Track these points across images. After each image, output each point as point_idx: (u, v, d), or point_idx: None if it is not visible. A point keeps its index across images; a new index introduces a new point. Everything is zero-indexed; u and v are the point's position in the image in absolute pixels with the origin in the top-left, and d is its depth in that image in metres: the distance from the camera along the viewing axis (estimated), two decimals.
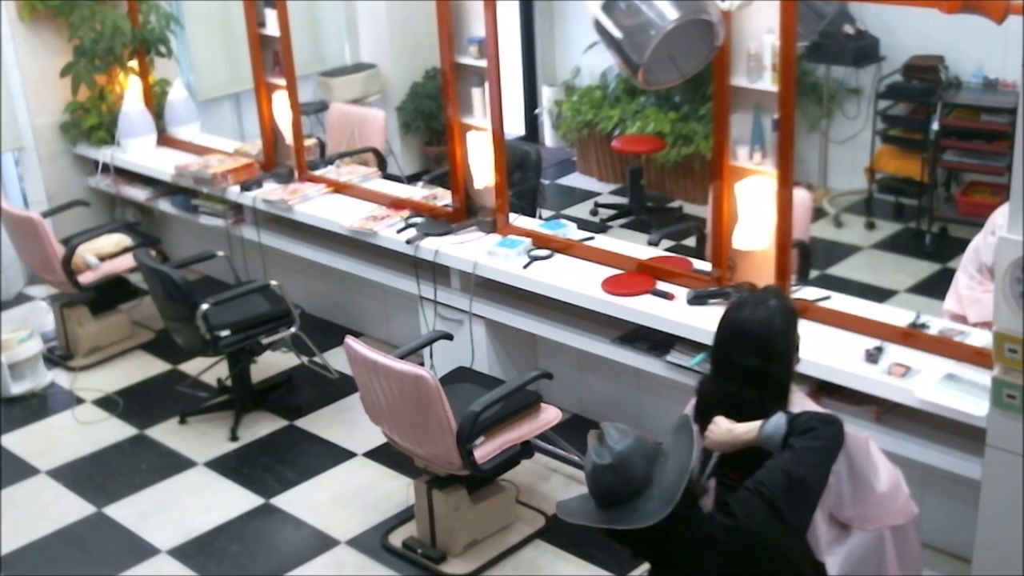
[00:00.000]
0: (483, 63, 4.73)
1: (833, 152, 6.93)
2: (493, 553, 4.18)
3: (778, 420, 2.74)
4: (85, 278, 5.69)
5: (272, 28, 5.59)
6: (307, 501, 4.62)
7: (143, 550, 4.40)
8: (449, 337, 4.53)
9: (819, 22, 6.59)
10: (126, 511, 4.63)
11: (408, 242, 4.97)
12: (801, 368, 3.19)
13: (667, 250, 4.97)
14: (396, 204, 5.32)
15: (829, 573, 2.97)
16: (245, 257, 5.94)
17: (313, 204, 5.48)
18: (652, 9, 3.33)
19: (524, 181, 5.67)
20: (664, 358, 4.23)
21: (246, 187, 5.68)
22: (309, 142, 6.00)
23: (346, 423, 5.11)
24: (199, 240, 6.25)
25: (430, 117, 7.65)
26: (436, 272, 4.94)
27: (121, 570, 4.29)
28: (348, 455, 4.90)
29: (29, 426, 5.32)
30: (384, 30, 7.71)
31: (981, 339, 3.64)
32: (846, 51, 6.54)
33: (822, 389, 3.83)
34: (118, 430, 5.22)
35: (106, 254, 5.78)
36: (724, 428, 2.83)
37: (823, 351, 3.78)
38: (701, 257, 4.55)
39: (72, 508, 4.67)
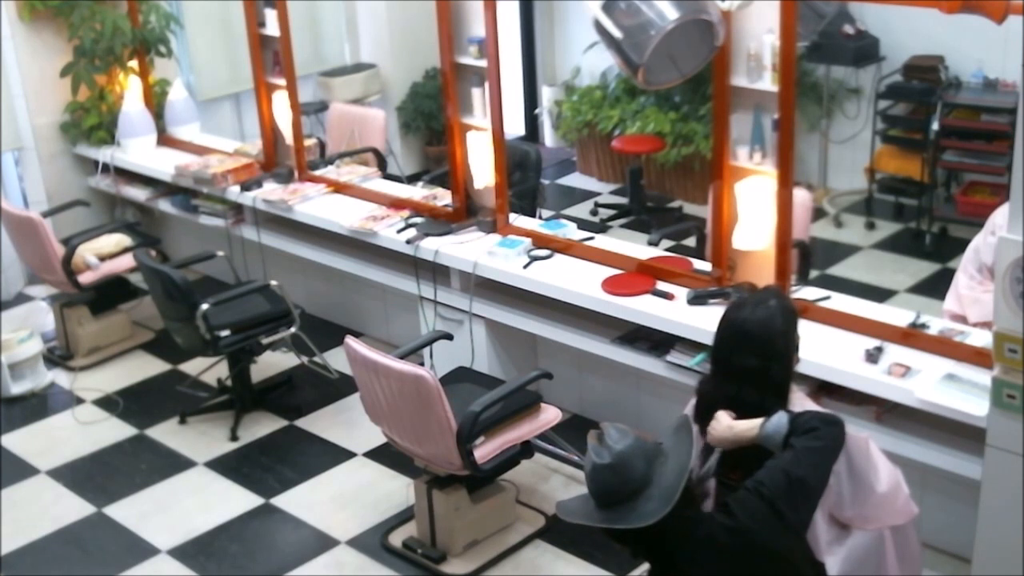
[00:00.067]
0: (483, 63, 4.73)
1: (833, 152, 6.93)
2: (493, 553, 4.18)
3: (779, 419, 2.74)
4: (85, 278, 5.69)
5: (272, 28, 5.59)
6: (307, 501, 4.62)
7: (143, 550, 4.40)
8: (449, 337, 4.53)
9: (819, 22, 6.59)
10: (126, 511, 4.63)
11: (408, 242, 4.97)
12: (801, 368, 3.19)
13: (667, 250, 4.97)
14: (396, 204, 5.32)
15: (829, 573, 2.97)
16: (245, 257, 5.94)
17: (313, 204, 5.48)
18: (652, 9, 3.33)
19: (524, 181, 5.67)
20: (664, 358, 4.23)
21: (246, 187, 5.68)
22: (309, 142, 6.00)
23: (346, 423, 5.11)
24: (199, 240, 6.25)
25: (430, 117, 7.65)
26: (436, 272, 4.94)
27: (121, 570, 4.29)
28: (348, 455, 4.91)
29: (29, 426, 5.32)
30: (384, 30, 7.71)
31: (981, 339, 3.64)
32: (846, 51, 6.54)
33: (822, 389, 3.83)
34: (118, 430, 5.22)
35: (106, 254, 5.78)
36: (725, 425, 2.83)
37: (823, 351, 3.78)
38: (701, 257, 4.55)
39: (72, 508, 4.67)
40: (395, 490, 4.60)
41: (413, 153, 7.88)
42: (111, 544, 4.45)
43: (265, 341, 5.10)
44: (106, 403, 5.45)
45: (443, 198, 5.21)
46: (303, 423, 5.18)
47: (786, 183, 3.95)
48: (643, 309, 4.25)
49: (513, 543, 4.24)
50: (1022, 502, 3.20)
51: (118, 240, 5.87)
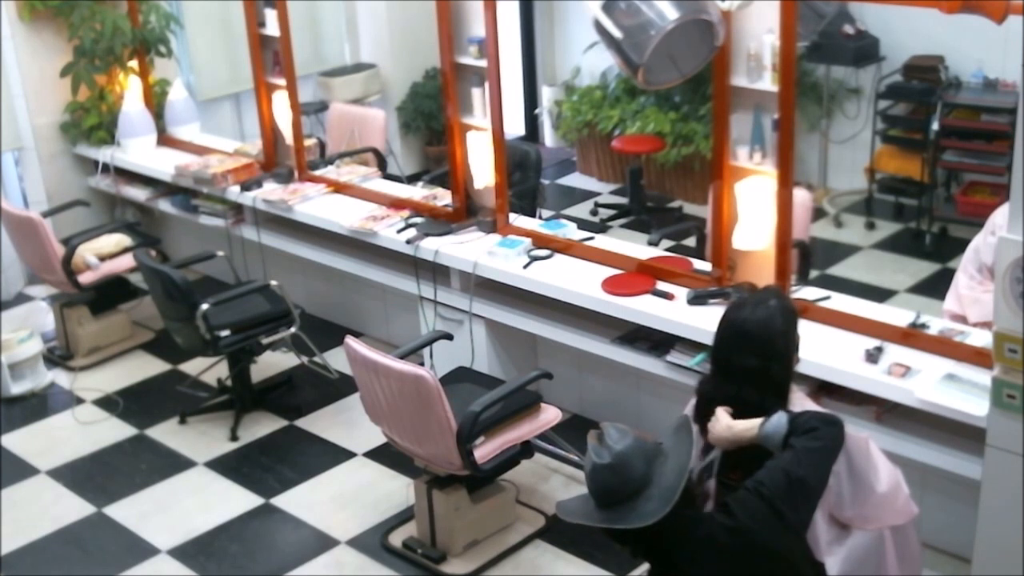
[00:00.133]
0: (483, 63, 4.73)
1: (833, 152, 6.92)
2: (493, 553, 4.18)
3: (779, 419, 2.74)
4: (85, 278, 5.69)
5: (272, 28, 5.59)
6: (307, 501, 4.62)
7: (143, 550, 4.40)
8: (449, 337, 4.53)
9: (819, 22, 6.59)
10: (126, 511, 4.63)
11: (408, 242, 4.97)
12: (801, 368, 3.19)
13: (667, 250, 4.98)
14: (396, 204, 5.32)
15: (829, 573, 2.97)
16: (245, 257, 5.94)
17: (313, 204, 5.48)
18: (652, 9, 3.33)
19: (524, 181, 5.67)
20: (664, 358, 4.23)
21: (246, 187, 5.68)
22: (309, 142, 6.00)
23: (346, 423, 5.11)
24: (199, 240, 6.25)
25: (430, 117, 7.65)
26: (436, 272, 4.94)
27: (121, 570, 4.29)
28: (348, 455, 4.91)
29: (29, 426, 5.32)
30: (384, 30, 7.71)
31: (981, 339, 3.64)
32: (846, 51, 6.54)
33: (822, 389, 3.83)
34: (118, 430, 5.22)
35: (106, 254, 5.78)
36: (724, 425, 2.83)
37: (823, 351, 3.78)
38: (701, 257, 4.55)
39: (72, 508, 4.67)
40: (395, 490, 4.60)
41: (413, 153, 7.88)
42: (111, 544, 4.45)
43: (265, 341, 5.10)
44: (106, 403, 5.45)
45: (443, 198, 5.21)
46: (303, 423, 5.18)
47: (786, 183, 3.95)
48: (643, 309, 4.25)
49: (513, 543, 4.24)
50: (1022, 502, 3.20)
51: (118, 240, 5.87)
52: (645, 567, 2.98)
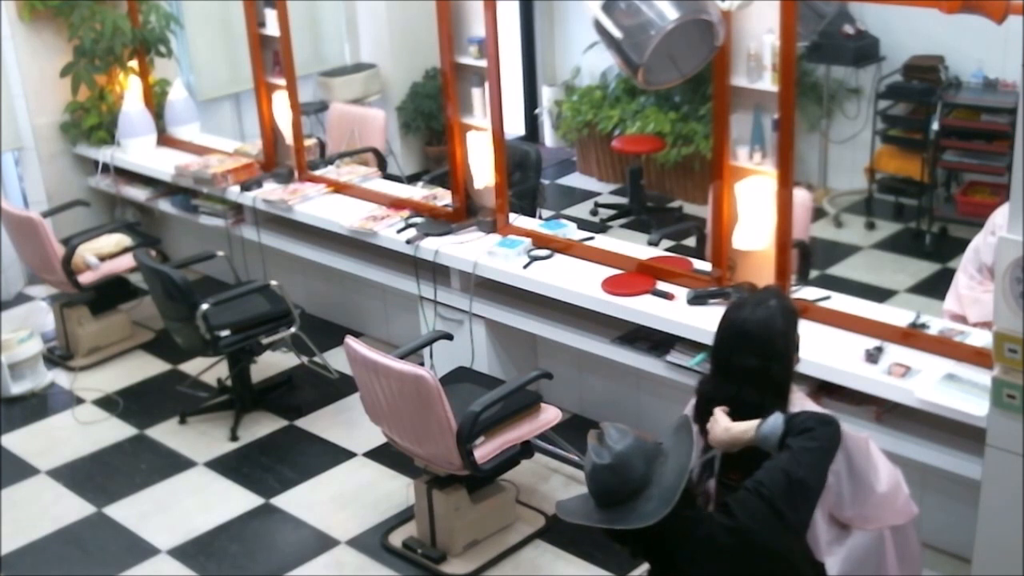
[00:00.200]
0: (483, 63, 4.73)
1: (833, 152, 6.92)
2: (493, 553, 4.18)
3: (775, 420, 2.74)
4: (85, 278, 5.69)
5: (272, 28, 5.59)
6: (307, 501, 4.62)
7: (143, 550, 4.40)
8: (449, 337, 4.53)
9: (819, 22, 6.59)
10: (126, 511, 4.63)
11: (408, 242, 4.97)
12: (801, 368, 3.19)
13: (667, 250, 4.98)
14: (396, 204, 5.32)
15: (829, 573, 2.97)
16: (245, 257, 5.94)
17: (313, 204, 5.48)
18: (652, 9, 3.33)
19: (524, 181, 5.67)
20: (664, 358, 4.23)
21: (246, 187, 5.68)
22: (309, 142, 6.00)
23: (346, 423, 5.11)
24: (199, 240, 6.25)
25: (430, 117, 7.65)
26: (436, 272, 4.94)
27: (121, 570, 4.29)
28: (348, 455, 4.91)
29: (29, 426, 5.32)
30: (384, 30, 7.71)
31: (981, 339, 3.64)
32: (846, 51, 6.54)
33: (822, 389, 3.83)
34: (118, 430, 5.22)
35: (106, 254, 5.78)
36: (722, 427, 2.83)
37: (823, 351, 3.78)
38: (701, 257, 4.55)
39: (72, 508, 4.67)
40: (395, 490, 4.60)
41: (413, 153, 7.88)
42: (111, 544, 4.45)
43: (265, 341, 5.10)
44: (106, 403, 5.45)
45: (443, 198, 5.21)
46: (303, 423, 5.18)
47: (786, 183, 3.95)
48: (643, 309, 4.25)
49: (513, 543, 4.24)
50: (1022, 502, 3.20)
51: (118, 240, 5.87)
52: (645, 567, 2.98)
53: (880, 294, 5.53)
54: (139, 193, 6.34)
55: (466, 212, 5.04)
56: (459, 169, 5.01)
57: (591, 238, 4.78)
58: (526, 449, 4.13)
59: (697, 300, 4.19)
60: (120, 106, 6.36)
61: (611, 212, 6.95)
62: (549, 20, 8.11)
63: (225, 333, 4.92)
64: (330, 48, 7.71)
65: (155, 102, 6.48)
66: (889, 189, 6.63)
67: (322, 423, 5.16)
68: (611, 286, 4.40)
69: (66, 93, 6.40)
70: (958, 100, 6.15)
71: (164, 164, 6.13)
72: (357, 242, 5.28)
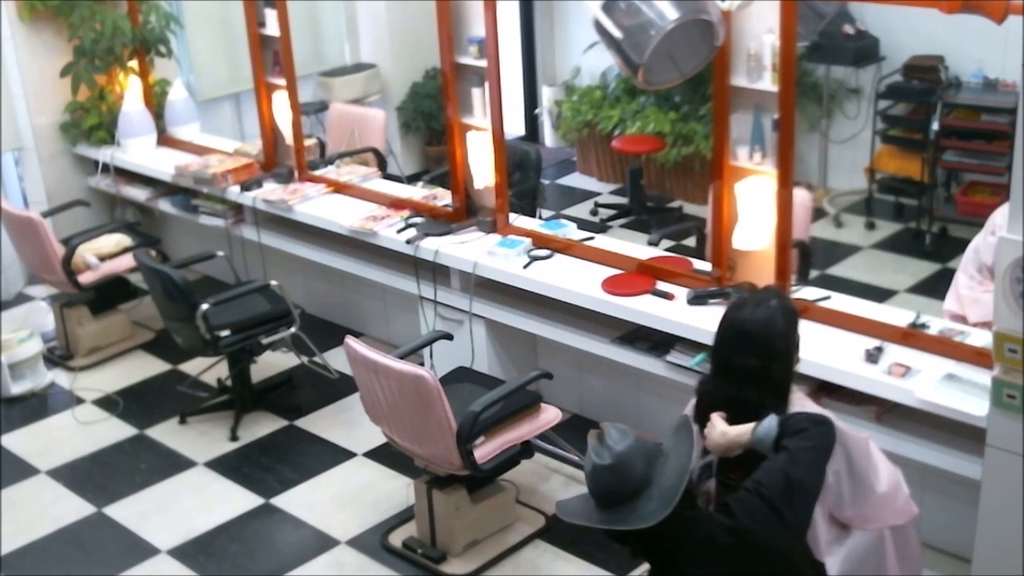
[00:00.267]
0: (483, 63, 4.73)
1: (833, 152, 6.93)
2: (493, 553, 4.18)
3: (769, 423, 2.74)
4: (85, 278, 5.69)
5: (272, 28, 5.59)
6: (307, 501, 4.62)
7: (143, 550, 4.40)
8: (449, 337, 4.53)
9: (819, 22, 6.59)
10: (126, 511, 4.63)
11: (408, 242, 4.97)
12: (801, 368, 3.19)
13: (667, 250, 4.98)
14: (396, 204, 5.32)
15: (829, 573, 2.97)
16: (245, 257, 5.94)
17: (313, 204, 5.48)
18: (652, 9, 3.33)
19: (524, 181, 5.67)
20: (664, 358, 4.23)
21: (246, 187, 5.68)
22: (309, 142, 6.00)
23: (346, 423, 5.11)
24: (199, 240, 6.25)
25: (430, 117, 7.65)
26: (436, 272, 4.94)
27: (121, 570, 4.29)
28: (348, 455, 4.91)
29: (29, 426, 5.32)
30: (384, 30, 7.71)
31: (981, 339, 3.64)
32: (846, 51, 6.54)
33: (822, 389, 3.83)
34: (118, 430, 5.22)
35: (106, 254, 5.78)
36: (719, 431, 2.83)
37: (823, 351, 3.78)
38: (701, 257, 4.55)
39: (72, 508, 4.67)
40: (395, 490, 4.60)
41: (413, 153, 7.88)
42: (111, 544, 4.45)
43: (265, 341, 5.10)
44: (106, 403, 5.45)
45: (443, 198, 5.21)
46: (303, 423, 5.18)
47: (786, 183, 3.95)
48: (643, 309, 4.25)
49: (513, 543, 4.24)
50: (1022, 502, 3.20)
51: (118, 240, 5.87)
52: (645, 567, 2.98)
53: (880, 294, 5.53)
54: (139, 193, 6.34)
55: (466, 212, 5.04)
56: (459, 169, 5.01)
57: (591, 238, 4.78)
58: (526, 449, 4.13)
59: (697, 300, 4.19)
60: (120, 106, 6.36)
61: (611, 212, 6.95)
62: (549, 20, 8.11)
63: (225, 333, 4.91)
64: (330, 48, 7.71)
65: (155, 102, 6.48)
66: (889, 189, 6.63)
67: (322, 423, 5.16)
68: (611, 286, 4.40)
69: (66, 93, 6.40)
70: (958, 100, 6.15)
71: (164, 164, 6.13)
72: (357, 242, 5.28)
